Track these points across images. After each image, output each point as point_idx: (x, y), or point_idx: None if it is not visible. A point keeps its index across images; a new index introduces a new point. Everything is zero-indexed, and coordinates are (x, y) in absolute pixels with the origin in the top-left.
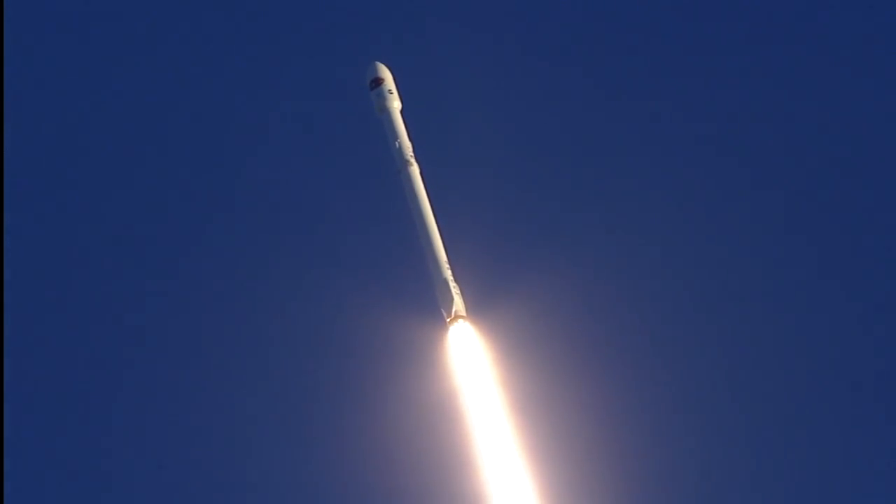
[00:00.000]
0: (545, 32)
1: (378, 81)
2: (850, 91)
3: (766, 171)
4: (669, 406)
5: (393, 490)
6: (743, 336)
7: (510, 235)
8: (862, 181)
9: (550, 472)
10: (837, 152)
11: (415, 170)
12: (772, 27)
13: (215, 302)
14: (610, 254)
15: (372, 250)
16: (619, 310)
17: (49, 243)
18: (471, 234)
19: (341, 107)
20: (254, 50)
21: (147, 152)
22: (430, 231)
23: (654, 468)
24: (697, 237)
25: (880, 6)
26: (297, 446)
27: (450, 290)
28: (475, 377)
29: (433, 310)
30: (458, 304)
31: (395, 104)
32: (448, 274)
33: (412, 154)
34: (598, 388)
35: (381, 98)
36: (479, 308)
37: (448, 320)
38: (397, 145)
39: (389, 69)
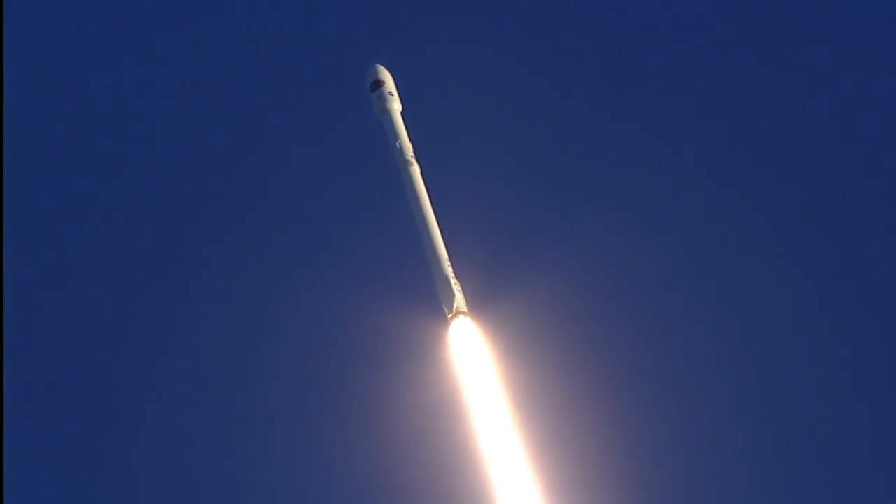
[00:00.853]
0: (543, 34)
1: (378, 84)
2: (849, 91)
3: (767, 169)
4: (672, 401)
5: (395, 486)
6: (745, 328)
7: (510, 233)
8: (862, 181)
9: (553, 467)
10: (837, 152)
11: (415, 169)
12: (771, 27)
13: (218, 300)
14: (609, 249)
15: (374, 248)
16: (620, 305)
17: (49, 243)
18: (471, 232)
19: (343, 109)
20: (258, 54)
21: (149, 153)
22: (431, 229)
23: (656, 463)
24: (699, 232)
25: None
26: (299, 442)
27: (451, 287)
28: (476, 372)
29: (435, 307)
30: (459, 300)
31: (396, 106)
32: (449, 271)
33: (412, 154)
34: (600, 383)
35: (382, 100)
36: (480, 304)
37: (449, 316)
38: (398, 146)
39: (390, 72)
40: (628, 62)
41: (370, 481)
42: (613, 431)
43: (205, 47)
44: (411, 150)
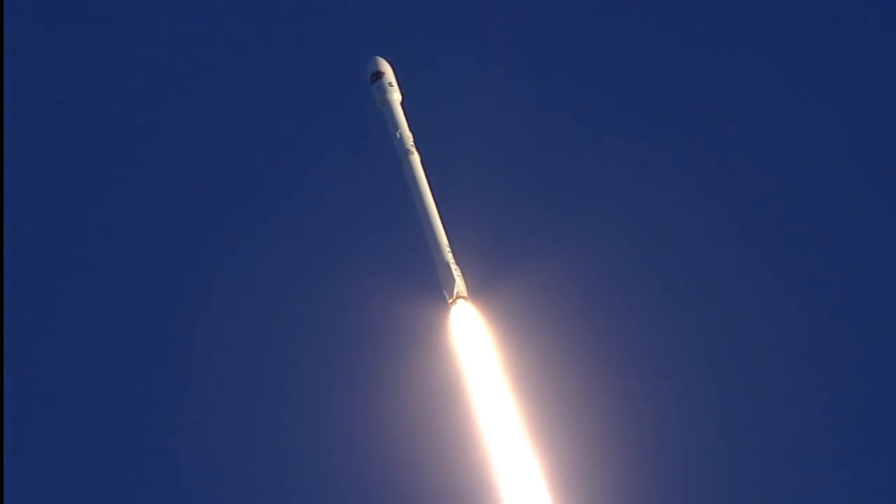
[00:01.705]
0: (542, 25)
1: (378, 75)
2: (849, 91)
3: (767, 161)
4: (672, 386)
5: (396, 471)
6: (745, 313)
7: (510, 220)
8: (862, 181)
9: (554, 452)
10: (837, 153)
11: (415, 158)
12: (771, 28)
13: (220, 289)
14: (608, 236)
15: (375, 235)
16: (619, 290)
17: (49, 243)
18: (471, 219)
19: (344, 100)
20: (259, 47)
21: (148, 144)
22: (432, 216)
23: (657, 447)
24: (699, 219)
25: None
26: (300, 428)
27: (451, 273)
28: (476, 354)
29: (436, 292)
30: (460, 285)
31: (396, 96)
32: (449, 257)
33: (413, 143)
34: (599, 367)
35: (382, 91)
36: (480, 289)
37: (450, 301)
38: (398, 135)
39: (390, 63)
40: (629, 53)
41: (371, 466)
42: (614, 416)
43: (206, 40)
44: (411, 139)
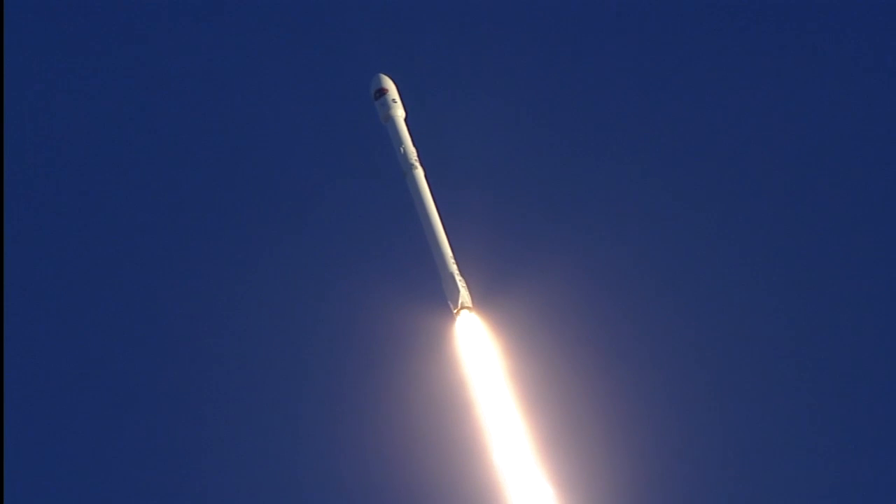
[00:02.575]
0: (542, 42)
1: (382, 92)
2: (849, 92)
3: (770, 170)
4: (676, 394)
5: (402, 479)
6: (747, 319)
7: (513, 231)
8: (861, 181)
9: (559, 460)
10: (837, 154)
11: (419, 172)
12: (771, 29)
13: (234, 298)
14: (611, 245)
15: (382, 247)
16: (622, 299)
17: (49, 243)
18: (475, 231)
19: (350, 117)
20: (269, 69)
21: (157, 159)
22: (436, 229)
23: (661, 456)
24: (704, 227)
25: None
26: (307, 435)
27: (456, 283)
28: (480, 363)
29: (441, 302)
30: (464, 295)
31: (399, 112)
32: (454, 268)
33: (416, 158)
34: (604, 376)
35: (386, 107)
36: (484, 300)
37: (455, 311)
38: (402, 150)
39: (393, 80)
40: (629, 66)
41: (377, 474)
42: (619, 424)
43: (212, 60)
44: (415, 154)
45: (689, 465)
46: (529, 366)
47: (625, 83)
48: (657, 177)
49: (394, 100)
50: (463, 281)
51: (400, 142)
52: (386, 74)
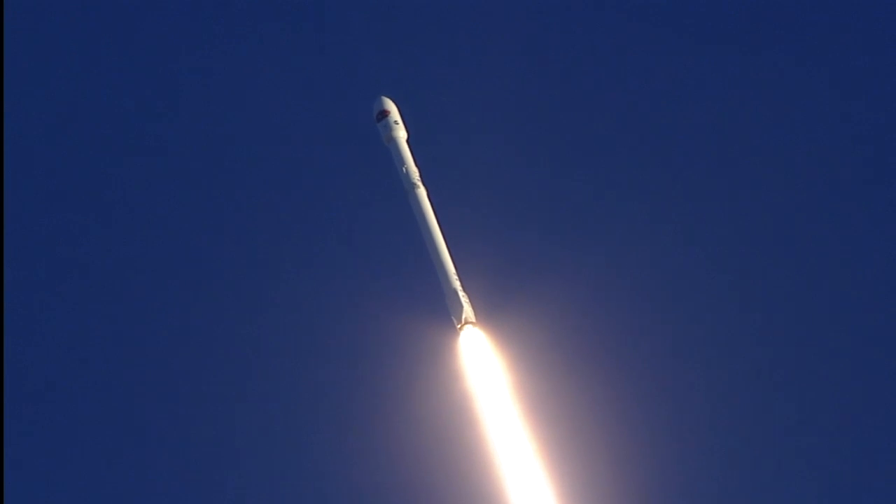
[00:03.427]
0: (543, 61)
1: (384, 114)
2: (850, 91)
3: (771, 175)
4: (682, 410)
5: (406, 495)
6: (753, 340)
7: (514, 247)
8: (862, 181)
9: (564, 476)
10: (837, 154)
11: (422, 192)
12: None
13: (242, 315)
14: (612, 261)
15: (386, 266)
16: (625, 314)
17: (50, 242)
18: (477, 248)
19: (355, 138)
20: (279, 94)
21: (165, 179)
22: (439, 246)
23: (665, 472)
24: (707, 243)
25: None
26: (313, 451)
27: (459, 299)
28: (484, 377)
29: (445, 318)
30: (468, 311)
31: (401, 133)
32: (457, 284)
33: (419, 178)
34: (608, 392)
35: (388, 128)
36: (487, 315)
37: (458, 327)
38: (404, 170)
39: (395, 102)
40: (632, 87)
41: (382, 488)
42: (623, 438)
43: (217, 82)
44: (417, 174)
45: (694, 478)
46: (533, 379)
47: (627, 104)
48: (659, 193)
49: (396, 121)
50: (466, 297)
51: (402, 162)
52: (388, 97)
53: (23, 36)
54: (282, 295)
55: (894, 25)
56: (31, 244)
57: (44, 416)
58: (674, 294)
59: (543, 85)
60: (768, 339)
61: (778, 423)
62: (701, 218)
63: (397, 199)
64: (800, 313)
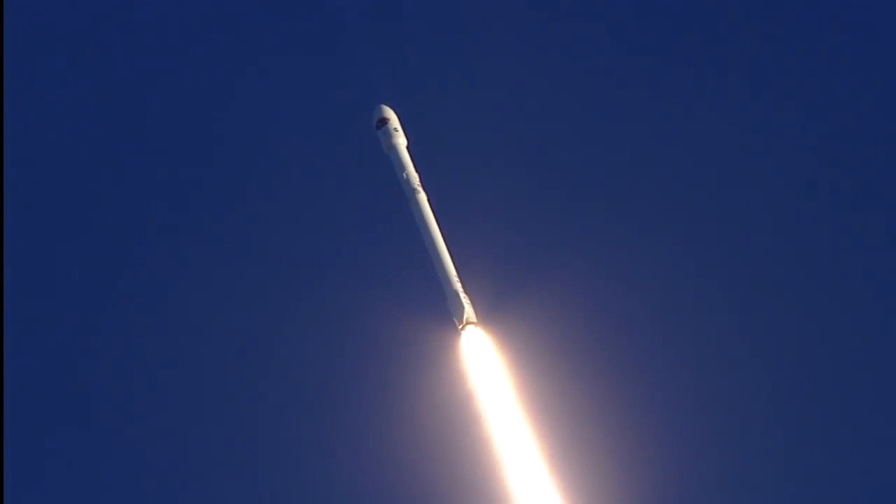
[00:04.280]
0: (543, 67)
1: (383, 121)
2: (849, 92)
3: (772, 176)
4: (683, 407)
5: (408, 493)
6: (754, 339)
7: (514, 249)
8: (862, 181)
9: (565, 474)
10: (837, 154)
11: (422, 197)
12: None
13: (248, 320)
14: (611, 261)
15: (388, 268)
16: (625, 314)
17: (49, 243)
18: (478, 250)
19: (356, 145)
20: (281, 103)
21: (163, 187)
22: (440, 249)
23: (667, 469)
24: (706, 243)
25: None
26: (316, 450)
27: (460, 300)
28: (485, 376)
29: (447, 319)
30: (469, 312)
31: (401, 140)
32: (458, 286)
33: (419, 183)
34: (609, 391)
35: (388, 136)
36: (488, 315)
37: (460, 327)
38: (405, 176)
39: (394, 110)
40: (632, 94)
41: (385, 488)
42: (626, 437)
43: (217, 90)
44: (417, 179)
45: (697, 477)
46: (533, 378)
47: (627, 110)
48: (660, 193)
49: (395, 129)
50: (467, 298)
51: (403, 168)
52: (387, 105)
53: (23, 36)
54: (286, 299)
55: (894, 25)
56: (31, 244)
57: (44, 417)
58: (674, 294)
59: (542, 91)
60: (768, 339)
61: (778, 422)
62: (701, 218)
63: (399, 205)
64: (800, 313)
